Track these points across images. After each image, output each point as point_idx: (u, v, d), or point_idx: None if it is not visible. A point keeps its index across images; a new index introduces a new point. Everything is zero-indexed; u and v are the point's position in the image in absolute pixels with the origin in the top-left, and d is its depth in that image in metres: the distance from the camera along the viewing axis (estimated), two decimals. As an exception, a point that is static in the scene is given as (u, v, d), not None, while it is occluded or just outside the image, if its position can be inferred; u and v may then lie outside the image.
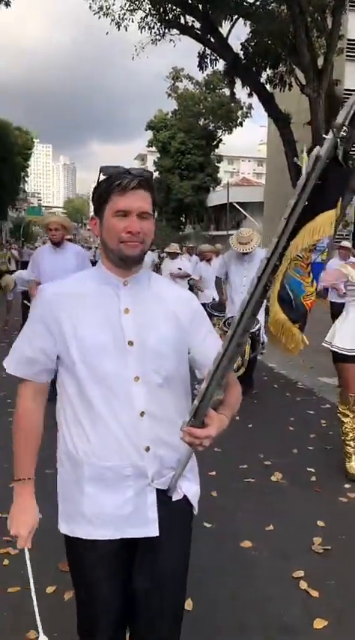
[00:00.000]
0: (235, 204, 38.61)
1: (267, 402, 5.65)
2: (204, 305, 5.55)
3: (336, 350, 3.71)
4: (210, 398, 1.25)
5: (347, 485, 3.65)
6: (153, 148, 44.22)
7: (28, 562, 1.47)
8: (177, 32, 18.31)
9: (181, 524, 1.53)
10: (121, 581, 1.47)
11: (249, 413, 5.24)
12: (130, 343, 1.38)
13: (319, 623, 2.29)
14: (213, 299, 7.09)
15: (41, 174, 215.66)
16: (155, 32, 18.59)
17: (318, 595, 2.49)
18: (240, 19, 17.20)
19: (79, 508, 1.43)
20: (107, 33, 18.34)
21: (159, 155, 42.49)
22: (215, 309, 6.60)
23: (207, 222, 44.45)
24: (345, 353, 3.65)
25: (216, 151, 43.09)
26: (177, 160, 40.08)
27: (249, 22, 17.35)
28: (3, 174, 25.08)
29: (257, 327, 5.38)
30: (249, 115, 33.40)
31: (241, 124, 36.71)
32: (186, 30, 17.88)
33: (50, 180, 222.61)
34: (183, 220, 46.43)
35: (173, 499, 1.48)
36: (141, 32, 18.51)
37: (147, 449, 1.40)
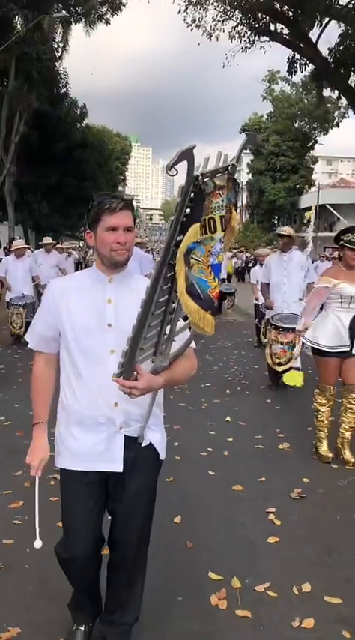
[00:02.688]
0: (327, 206, 38.04)
1: (302, 391, 6.07)
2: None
3: (317, 347, 4.08)
4: (132, 358, 1.56)
5: (342, 457, 4.18)
6: (247, 151, 44.59)
7: (36, 483, 1.99)
8: (267, 39, 18.77)
9: (147, 464, 1.95)
10: (97, 507, 1.91)
11: (281, 398, 5.85)
12: (109, 325, 1.81)
13: (272, 539, 2.96)
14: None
15: (141, 176, 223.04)
16: (245, 40, 19.11)
17: (280, 523, 3.14)
18: (330, 22, 17.33)
19: (68, 446, 1.89)
20: (199, 44, 19.23)
21: (252, 157, 42.82)
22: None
23: (300, 223, 44.04)
24: (325, 349, 4.04)
25: (312, 152, 42.64)
26: (269, 162, 40.24)
27: (338, 26, 17.41)
28: (100, 179, 26.93)
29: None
30: (346, 115, 32.85)
31: (337, 125, 36.14)
32: (275, 36, 18.30)
33: (149, 182, 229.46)
34: (276, 222, 46.32)
35: (142, 445, 1.90)
36: (231, 41, 19.10)
37: (116, 404, 1.81)
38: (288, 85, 38.25)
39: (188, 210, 1.42)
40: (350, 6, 16.57)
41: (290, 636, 2.25)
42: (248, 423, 4.97)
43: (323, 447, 4.16)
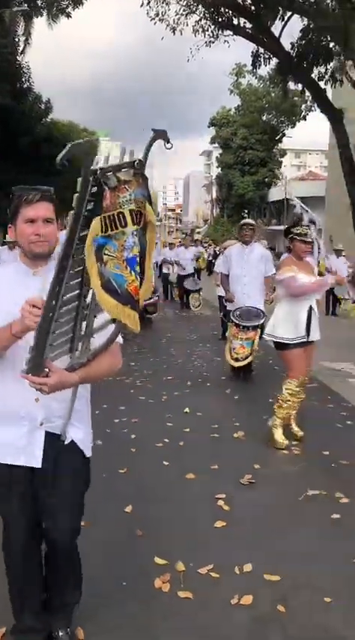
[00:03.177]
0: (296, 199, 38.45)
1: (262, 381, 6.26)
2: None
3: (279, 340, 4.22)
4: (39, 354, 1.53)
5: (294, 442, 4.31)
6: (216, 145, 44.77)
7: None
8: (231, 33, 18.86)
9: (71, 462, 1.93)
10: (27, 501, 1.92)
11: (241, 389, 5.98)
12: None
13: (219, 524, 3.06)
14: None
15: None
16: (209, 34, 19.14)
17: (228, 509, 3.25)
18: (293, 16, 17.50)
19: None
20: (162, 38, 19.21)
21: (221, 151, 43.01)
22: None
23: (269, 217, 44.50)
24: (287, 342, 4.19)
25: (280, 145, 43.01)
26: (238, 156, 40.46)
27: (300, 20, 17.59)
28: (66, 174, 26.66)
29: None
30: (313, 108, 33.24)
31: (305, 118, 36.53)
32: (238, 31, 18.39)
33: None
34: (246, 216, 46.63)
35: (65, 442, 1.90)
36: (195, 35, 19.11)
37: (37, 399, 1.80)
38: (255, 78, 38.69)
39: (92, 205, 1.46)
40: (312, 0, 16.76)
41: (228, 613, 2.35)
42: (205, 413, 5.07)
43: (280, 433, 4.29)
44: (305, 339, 4.20)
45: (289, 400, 4.26)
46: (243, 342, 5.92)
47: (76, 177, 1.41)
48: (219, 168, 44.25)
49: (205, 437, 4.46)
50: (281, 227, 39.91)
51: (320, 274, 15.69)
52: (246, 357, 5.97)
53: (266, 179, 41.19)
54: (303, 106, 34.98)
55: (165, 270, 14.18)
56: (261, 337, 6.15)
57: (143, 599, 2.43)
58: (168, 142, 1.59)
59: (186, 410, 5.12)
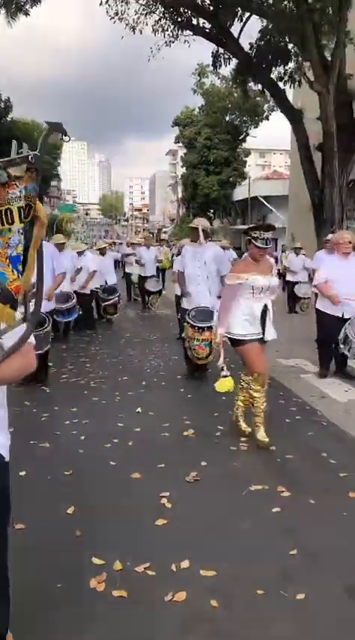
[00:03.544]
0: (260, 198, 38.93)
1: (216, 379, 6.29)
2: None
3: (233, 337, 4.28)
4: None
5: (243, 439, 4.37)
6: (181, 144, 44.88)
7: None
8: (190, 33, 18.93)
9: None
10: None
11: (195, 387, 6.01)
12: None
13: (160, 522, 3.08)
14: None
15: (77, 171, 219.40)
16: (169, 34, 19.17)
17: (171, 506, 3.27)
18: (252, 17, 17.70)
19: None
20: (122, 37, 19.16)
21: (185, 151, 43.14)
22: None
23: (235, 216, 44.88)
24: (241, 338, 4.23)
25: (244, 145, 43.38)
26: (203, 156, 40.64)
27: (259, 21, 17.79)
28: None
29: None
30: (275, 108, 33.64)
31: (268, 118, 36.96)
32: (197, 31, 18.47)
33: (85, 177, 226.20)
34: (211, 215, 46.91)
35: None
36: (155, 35, 19.12)
37: None
38: (218, 79, 38.96)
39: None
40: (271, 1, 16.96)
41: (161, 609, 2.37)
42: (157, 412, 5.08)
43: (244, 424, 4.46)
44: (260, 336, 4.27)
45: (254, 397, 4.31)
46: (201, 342, 5.94)
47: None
48: (184, 168, 44.38)
49: (155, 436, 4.47)
50: (245, 226, 40.42)
51: (281, 274, 15.91)
52: (208, 355, 6.01)
53: (231, 178, 41.49)
54: (266, 106, 35.58)
55: (127, 270, 14.13)
56: None
57: (77, 600, 2.43)
58: (66, 134, 1.57)
59: (138, 410, 5.13)
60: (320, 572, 2.64)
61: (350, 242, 6.18)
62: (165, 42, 19.32)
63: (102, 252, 10.97)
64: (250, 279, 4.16)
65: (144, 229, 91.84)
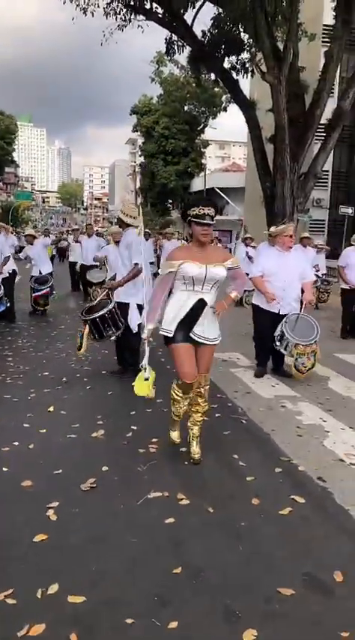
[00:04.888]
0: (217, 190, 38.83)
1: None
2: None
3: (164, 333, 3.69)
4: None
5: (154, 439, 4.10)
6: (139, 133, 44.25)
7: None
8: (143, 18, 18.44)
9: None
10: None
11: (117, 384, 5.71)
12: None
13: (38, 538, 2.77)
14: None
15: (35, 158, 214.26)
16: (121, 18, 18.62)
17: (56, 519, 2.97)
18: (205, 4, 17.37)
19: None
20: (73, 19, 18.49)
21: (143, 140, 42.58)
22: None
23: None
24: (168, 335, 3.66)
25: (203, 135, 43.11)
26: (160, 145, 40.18)
27: (216, 9, 17.48)
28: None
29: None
30: (232, 99, 33.50)
31: (225, 109, 36.75)
32: (150, 15, 18.02)
33: (45, 164, 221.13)
34: (169, 206, 46.56)
35: None
36: (106, 18, 18.54)
37: None
38: (177, 67, 38.47)
39: None
40: (223, -12, 16.67)
41: (10, 647, 2.08)
42: (70, 411, 4.77)
43: (175, 434, 3.94)
44: (193, 337, 3.69)
45: (176, 400, 3.79)
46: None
47: None
48: (142, 157, 43.86)
49: (60, 438, 4.15)
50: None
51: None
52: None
53: (189, 169, 41.19)
54: (224, 97, 35.37)
55: (71, 259, 13.65)
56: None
57: None
58: None
59: (50, 409, 4.80)
60: (201, 592, 2.40)
61: (292, 236, 5.96)
62: (118, 26, 18.82)
63: (29, 240, 10.46)
64: (182, 267, 3.55)
65: (104, 218, 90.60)
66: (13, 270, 9.18)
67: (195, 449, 3.79)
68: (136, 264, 5.38)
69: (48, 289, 9.87)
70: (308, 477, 3.57)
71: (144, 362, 3.80)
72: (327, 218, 27.24)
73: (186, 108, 39.98)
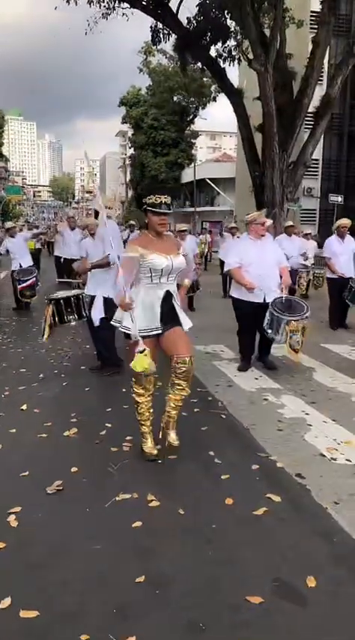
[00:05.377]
0: (208, 181, 38.55)
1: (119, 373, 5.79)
2: None
3: (125, 331, 3.58)
4: None
5: (128, 437, 3.93)
6: (128, 125, 43.86)
7: None
8: (128, 6, 18.11)
9: None
10: None
11: (95, 380, 5.54)
12: None
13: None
14: None
15: (26, 152, 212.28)
16: (105, 6, 18.29)
17: (16, 525, 2.81)
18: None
19: None
20: (56, 8, 18.12)
21: (133, 131, 42.22)
22: None
23: (184, 199, 44.36)
24: (153, 333, 3.52)
25: (193, 126, 42.77)
26: (150, 137, 39.85)
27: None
28: None
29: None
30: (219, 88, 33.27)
31: (215, 99, 36.42)
32: (134, 3, 17.69)
33: (35, 158, 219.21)
34: (161, 197, 46.17)
35: None
36: (90, 6, 18.20)
37: None
38: (165, 57, 38.01)
39: None
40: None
41: None
42: (43, 409, 4.60)
43: (148, 444, 3.65)
44: (159, 331, 3.54)
45: (138, 403, 3.63)
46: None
47: None
48: (132, 149, 43.52)
49: (30, 438, 3.99)
50: (191, 209, 39.94)
51: (203, 255, 15.72)
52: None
53: (179, 160, 40.89)
54: (213, 87, 35.04)
55: (56, 253, 13.41)
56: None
57: None
58: None
59: (23, 407, 4.63)
60: (164, 603, 2.24)
61: (264, 223, 5.80)
62: (102, 14, 18.50)
63: (10, 233, 10.25)
64: (148, 258, 3.41)
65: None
66: None
67: (173, 435, 3.57)
68: (108, 255, 5.17)
69: (33, 279, 9.64)
70: (286, 473, 3.42)
71: (133, 332, 3.48)
72: (318, 207, 27.10)
73: (175, 99, 39.62)
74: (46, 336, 5.76)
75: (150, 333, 3.53)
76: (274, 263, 5.74)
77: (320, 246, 11.15)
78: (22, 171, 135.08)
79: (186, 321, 3.72)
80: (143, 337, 3.47)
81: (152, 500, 3.05)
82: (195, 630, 2.10)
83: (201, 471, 3.45)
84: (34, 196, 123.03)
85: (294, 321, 5.49)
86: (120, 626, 2.11)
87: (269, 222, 5.99)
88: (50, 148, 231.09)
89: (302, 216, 24.56)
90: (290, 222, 11.32)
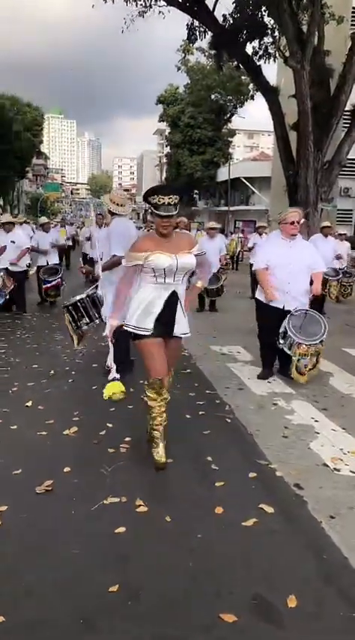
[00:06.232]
0: (243, 179, 38.19)
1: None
2: None
3: (129, 329, 3.43)
4: None
5: (127, 438, 3.86)
6: (165, 123, 43.89)
7: None
8: (165, 4, 18.07)
9: None
10: None
11: (102, 376, 5.46)
12: None
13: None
14: None
15: (66, 150, 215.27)
16: (141, 4, 18.33)
17: (0, 525, 2.78)
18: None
19: None
20: (93, 6, 18.24)
21: (169, 130, 42.23)
22: None
23: (219, 197, 44.13)
24: (135, 331, 3.40)
25: (230, 125, 42.44)
26: (186, 135, 39.76)
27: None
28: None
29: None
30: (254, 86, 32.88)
31: (253, 98, 35.98)
32: (170, 0, 17.64)
33: (74, 156, 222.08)
34: (196, 196, 46.13)
35: None
36: (127, 4, 18.25)
37: None
38: (204, 55, 37.80)
39: None
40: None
41: None
42: (47, 407, 4.57)
43: (159, 451, 3.44)
44: (143, 332, 3.38)
45: (151, 407, 3.47)
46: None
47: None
48: (168, 147, 43.56)
49: (30, 435, 3.96)
50: (225, 208, 39.60)
51: (234, 255, 15.65)
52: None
53: (215, 159, 40.65)
54: (251, 85, 34.64)
55: (83, 250, 13.50)
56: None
57: None
58: None
59: (28, 403, 4.61)
60: (133, 616, 2.15)
61: (296, 222, 5.24)
62: (138, 12, 18.53)
63: (45, 228, 10.32)
64: (150, 258, 3.29)
65: (132, 210, 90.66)
66: (28, 264, 9.21)
67: (160, 452, 3.42)
68: (114, 255, 5.06)
69: (59, 280, 9.68)
70: (284, 483, 3.28)
71: (109, 361, 3.55)
72: (355, 208, 26.43)
73: (212, 97, 39.37)
74: (76, 343, 5.52)
75: (137, 332, 3.40)
76: (304, 267, 5.30)
77: (355, 247, 10.79)
78: (62, 169, 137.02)
79: (182, 328, 3.49)
80: (147, 336, 3.38)
81: (140, 506, 2.96)
82: (160, 646, 2.00)
83: (196, 476, 3.35)
84: (71, 194, 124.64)
85: (305, 345, 5.11)
86: (84, 638, 2.03)
87: (297, 218, 5.41)
88: (89, 146, 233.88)
89: (338, 217, 24.02)
90: (327, 223, 10.96)
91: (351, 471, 3.46)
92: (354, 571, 2.45)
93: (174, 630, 2.07)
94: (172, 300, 3.41)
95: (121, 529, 2.74)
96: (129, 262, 3.43)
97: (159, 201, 3.23)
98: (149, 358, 3.42)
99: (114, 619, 2.13)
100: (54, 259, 10.20)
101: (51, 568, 2.44)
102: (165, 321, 3.41)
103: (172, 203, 3.25)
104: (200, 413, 4.44)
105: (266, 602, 2.23)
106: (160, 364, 3.42)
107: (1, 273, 8.35)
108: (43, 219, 10.98)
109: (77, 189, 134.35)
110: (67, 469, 3.39)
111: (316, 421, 4.35)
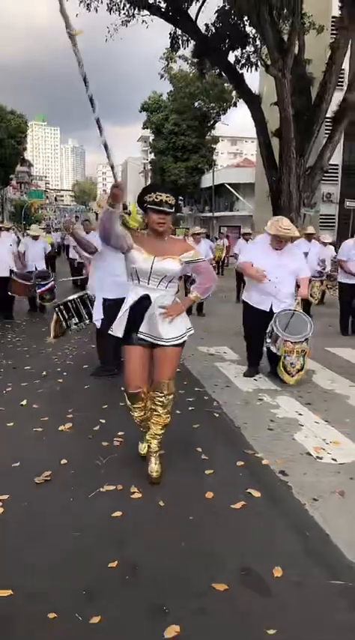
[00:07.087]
0: (227, 186, 38.61)
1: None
2: None
3: (112, 332, 3.35)
4: None
5: (120, 433, 4.03)
6: (149, 130, 44.15)
7: None
8: (147, 13, 18.33)
9: None
10: None
11: (90, 377, 5.65)
12: None
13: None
14: None
15: (49, 157, 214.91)
16: (125, 13, 18.55)
17: (1, 512, 2.94)
18: (209, -2, 17.24)
19: None
20: (77, 15, 18.40)
21: (153, 137, 42.51)
22: None
23: (203, 204, 44.49)
24: (120, 335, 3.29)
25: (214, 132, 42.83)
26: (170, 142, 40.05)
27: (216, 1, 17.33)
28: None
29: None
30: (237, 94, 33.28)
31: (235, 105, 36.43)
32: (153, 10, 17.91)
33: (58, 163, 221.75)
34: (181, 202, 46.40)
35: None
36: (110, 13, 18.47)
37: None
38: (187, 63, 38.19)
39: None
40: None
41: None
42: (42, 405, 4.72)
43: (152, 466, 3.32)
44: (148, 338, 3.25)
45: (132, 410, 3.43)
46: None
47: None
48: (152, 154, 43.83)
49: (26, 431, 4.11)
50: (210, 214, 39.99)
51: (220, 260, 15.92)
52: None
53: (200, 165, 40.96)
54: (233, 92, 35.05)
55: (70, 255, 13.62)
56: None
57: None
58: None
59: (23, 402, 4.76)
60: (132, 587, 2.32)
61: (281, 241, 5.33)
62: (122, 22, 18.76)
63: (35, 238, 10.45)
64: (130, 253, 3.14)
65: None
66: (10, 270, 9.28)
67: (154, 466, 3.30)
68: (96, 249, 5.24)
69: (52, 282, 9.80)
70: (270, 470, 3.48)
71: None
72: (337, 213, 26.90)
73: (195, 104, 39.76)
74: (52, 336, 5.76)
75: (113, 334, 3.33)
76: (289, 273, 5.45)
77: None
78: (46, 176, 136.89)
79: (168, 331, 3.23)
80: (131, 342, 3.27)
81: (134, 492, 3.14)
82: (158, 613, 2.17)
83: (187, 465, 3.53)
84: (56, 200, 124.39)
85: (291, 342, 5.30)
86: (88, 607, 2.20)
87: (287, 239, 5.43)
88: (73, 153, 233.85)
89: (321, 222, 24.44)
90: (312, 229, 11.03)
91: (333, 459, 3.67)
92: (335, 545, 2.65)
93: (171, 598, 2.25)
94: (143, 304, 3.22)
95: (118, 513, 2.91)
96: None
97: (156, 197, 3.09)
98: (125, 367, 3.34)
99: (115, 590, 2.30)
100: (42, 266, 10.32)
101: (53, 548, 2.60)
102: (131, 323, 3.25)
103: (170, 202, 3.13)
104: (190, 409, 4.63)
105: (254, 573, 2.42)
106: (132, 375, 3.27)
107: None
108: (34, 231, 10.90)
109: (61, 196, 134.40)
110: (64, 461, 3.55)
111: (300, 415, 4.57)
